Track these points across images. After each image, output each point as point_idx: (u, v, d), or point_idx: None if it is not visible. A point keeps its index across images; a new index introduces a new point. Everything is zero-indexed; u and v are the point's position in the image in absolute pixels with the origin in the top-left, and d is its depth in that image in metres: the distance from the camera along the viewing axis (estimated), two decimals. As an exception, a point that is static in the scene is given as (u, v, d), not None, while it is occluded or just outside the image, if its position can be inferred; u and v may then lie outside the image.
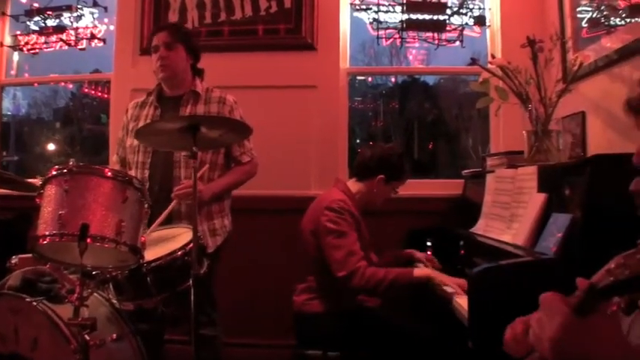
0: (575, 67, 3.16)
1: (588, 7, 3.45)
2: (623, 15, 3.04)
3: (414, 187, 3.82)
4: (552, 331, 0.99)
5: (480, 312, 2.15)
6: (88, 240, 2.08)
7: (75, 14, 4.56)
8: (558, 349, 0.99)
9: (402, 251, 3.54)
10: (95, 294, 2.50)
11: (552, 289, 1.06)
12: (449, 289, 2.75)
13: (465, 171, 4.17)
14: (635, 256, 0.85)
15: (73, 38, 4.56)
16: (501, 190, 3.11)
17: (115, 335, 2.45)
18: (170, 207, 2.88)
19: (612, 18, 3.16)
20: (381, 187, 3.18)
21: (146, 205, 2.37)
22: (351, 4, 4.37)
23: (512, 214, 2.87)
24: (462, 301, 2.53)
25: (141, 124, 3.14)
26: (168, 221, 2.92)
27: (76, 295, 2.23)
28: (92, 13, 4.58)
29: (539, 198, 2.58)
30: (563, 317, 0.98)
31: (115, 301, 2.57)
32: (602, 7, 3.27)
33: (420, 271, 3.02)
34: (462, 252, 3.27)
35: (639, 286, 0.84)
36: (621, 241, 1.06)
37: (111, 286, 2.54)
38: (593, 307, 0.95)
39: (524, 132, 3.18)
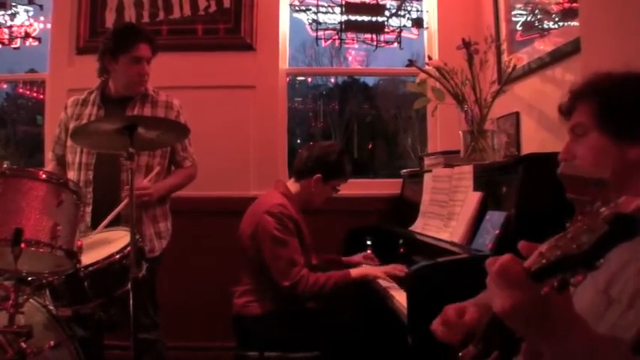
0: (510, 69, 3.23)
1: (523, 10, 3.54)
2: (556, 19, 3.12)
3: (353, 187, 3.85)
4: (512, 296, 0.93)
5: (418, 308, 2.18)
6: (22, 245, 2.03)
7: (9, 12, 4.40)
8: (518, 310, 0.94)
9: (339, 258, 3.56)
10: (31, 300, 2.40)
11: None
12: (384, 284, 2.90)
13: (404, 170, 4.22)
14: (565, 237, 0.87)
15: (6, 37, 4.40)
16: (438, 189, 3.16)
17: (52, 342, 2.36)
18: (121, 206, 2.81)
19: (545, 22, 3.24)
20: (319, 187, 3.15)
21: (82, 208, 2.31)
22: (291, 4, 4.37)
23: (449, 212, 2.92)
24: (399, 297, 2.57)
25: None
26: (116, 222, 2.87)
27: (10, 301, 2.17)
28: (27, 11, 4.42)
29: (475, 196, 2.63)
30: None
31: (51, 307, 2.48)
32: (536, 11, 3.35)
33: (356, 271, 3.08)
34: (402, 250, 3.31)
35: (570, 264, 0.85)
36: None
37: (47, 292, 2.47)
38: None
39: (460, 132, 3.24)
